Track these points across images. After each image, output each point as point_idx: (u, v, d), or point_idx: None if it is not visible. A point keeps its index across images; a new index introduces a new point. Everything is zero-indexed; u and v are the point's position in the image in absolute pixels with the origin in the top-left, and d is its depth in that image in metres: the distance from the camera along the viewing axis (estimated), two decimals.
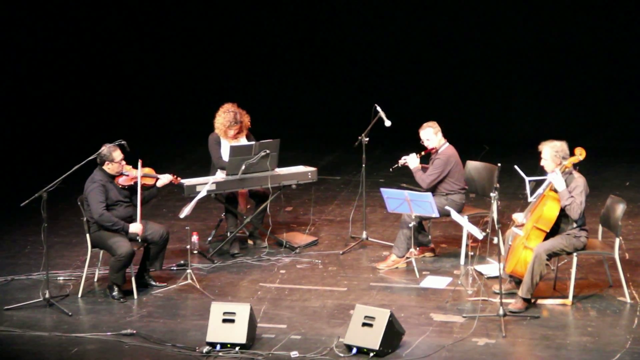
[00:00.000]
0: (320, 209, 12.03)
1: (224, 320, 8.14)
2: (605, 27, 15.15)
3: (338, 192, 12.85)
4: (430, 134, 10.04)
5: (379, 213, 11.67)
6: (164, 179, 9.62)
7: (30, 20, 15.96)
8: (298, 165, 10.77)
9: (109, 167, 9.31)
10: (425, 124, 10.08)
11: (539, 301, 8.98)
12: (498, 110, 15.67)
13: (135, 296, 9.29)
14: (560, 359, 7.95)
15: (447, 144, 10.11)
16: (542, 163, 9.01)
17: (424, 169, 10.11)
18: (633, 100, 15.17)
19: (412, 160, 10.10)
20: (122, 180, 9.38)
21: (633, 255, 10.19)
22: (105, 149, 9.28)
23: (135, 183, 9.39)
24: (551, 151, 8.91)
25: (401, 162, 10.16)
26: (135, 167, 9.44)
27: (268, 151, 10.22)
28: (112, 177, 9.34)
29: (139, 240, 9.32)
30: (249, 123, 10.55)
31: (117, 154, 9.30)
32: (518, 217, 9.16)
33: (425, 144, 10.07)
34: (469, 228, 9.18)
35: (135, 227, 9.28)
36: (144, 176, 9.45)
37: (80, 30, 16.43)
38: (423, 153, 10.12)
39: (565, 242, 8.88)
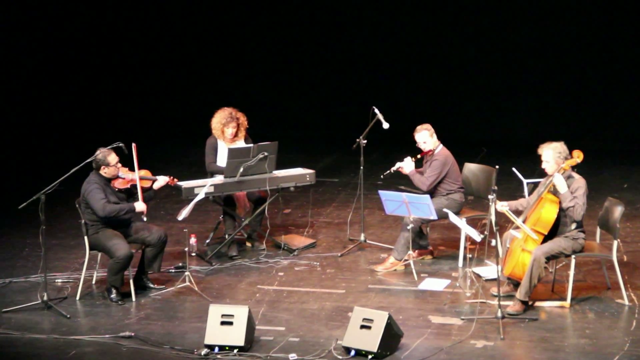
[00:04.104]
0: (319, 211, 12.03)
1: (222, 323, 8.13)
2: (603, 30, 15.16)
3: (336, 194, 12.85)
4: (427, 137, 10.04)
5: (377, 215, 11.66)
6: (161, 180, 9.58)
7: (28, 21, 15.94)
8: (296, 168, 10.77)
9: (105, 172, 9.27)
10: (419, 127, 10.07)
11: (537, 303, 8.98)
12: (496, 113, 15.67)
13: (134, 298, 9.28)
14: None
15: (441, 145, 10.12)
16: (544, 165, 8.98)
17: (419, 173, 10.10)
18: (631, 102, 15.18)
19: (407, 165, 10.08)
20: (118, 184, 9.35)
21: (631, 257, 10.19)
22: (100, 154, 9.23)
23: (132, 186, 9.38)
24: (553, 153, 8.89)
25: (394, 168, 10.14)
26: (132, 169, 9.42)
27: (266, 153, 10.21)
28: (109, 181, 9.33)
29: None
30: (246, 123, 10.55)
31: (112, 158, 9.27)
32: (502, 205, 8.98)
33: (422, 146, 10.07)
34: (467, 230, 9.18)
35: (140, 206, 9.28)
36: (141, 179, 9.42)
37: (78, 33, 16.42)
38: (419, 156, 10.12)
39: (564, 244, 8.87)
